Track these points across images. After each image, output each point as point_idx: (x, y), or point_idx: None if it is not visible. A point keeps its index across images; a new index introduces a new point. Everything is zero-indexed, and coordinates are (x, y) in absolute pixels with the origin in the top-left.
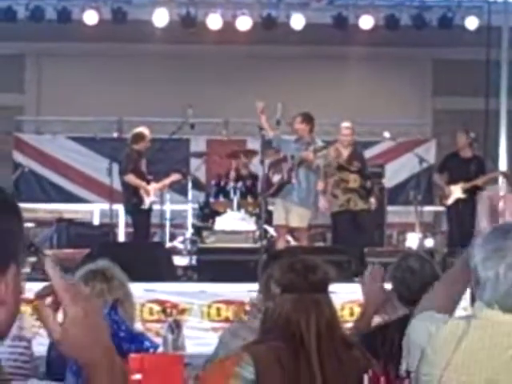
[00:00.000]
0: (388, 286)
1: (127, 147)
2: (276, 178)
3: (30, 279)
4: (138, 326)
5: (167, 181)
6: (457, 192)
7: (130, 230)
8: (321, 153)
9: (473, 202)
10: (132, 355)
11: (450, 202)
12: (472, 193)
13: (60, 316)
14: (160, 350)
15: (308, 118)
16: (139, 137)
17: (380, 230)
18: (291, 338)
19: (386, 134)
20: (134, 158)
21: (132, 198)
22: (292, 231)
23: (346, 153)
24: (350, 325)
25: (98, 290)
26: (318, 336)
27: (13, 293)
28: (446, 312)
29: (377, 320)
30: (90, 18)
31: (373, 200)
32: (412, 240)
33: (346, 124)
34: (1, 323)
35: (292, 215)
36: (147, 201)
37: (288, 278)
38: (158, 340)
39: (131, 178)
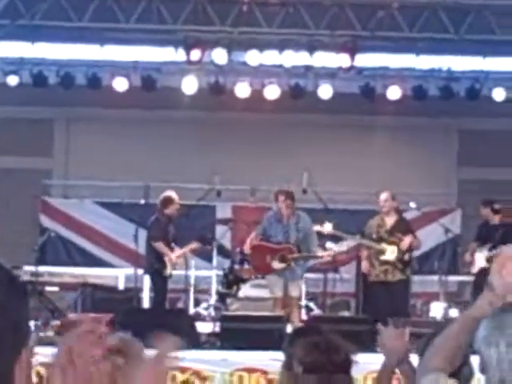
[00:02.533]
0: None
1: (157, 212)
2: (276, 265)
3: (53, 344)
4: None
5: (186, 249)
6: (480, 261)
7: None
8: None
9: None
10: None
11: (474, 270)
12: None
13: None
14: None
15: (292, 197)
16: (169, 201)
17: (405, 300)
18: None
19: (412, 205)
20: (164, 223)
21: (155, 263)
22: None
23: (389, 222)
24: None
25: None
26: None
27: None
28: (445, 371)
29: None
30: (120, 84)
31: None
32: (436, 310)
33: (382, 196)
34: None
35: (293, 287)
36: (169, 268)
37: (311, 358)
38: None
39: (160, 246)
